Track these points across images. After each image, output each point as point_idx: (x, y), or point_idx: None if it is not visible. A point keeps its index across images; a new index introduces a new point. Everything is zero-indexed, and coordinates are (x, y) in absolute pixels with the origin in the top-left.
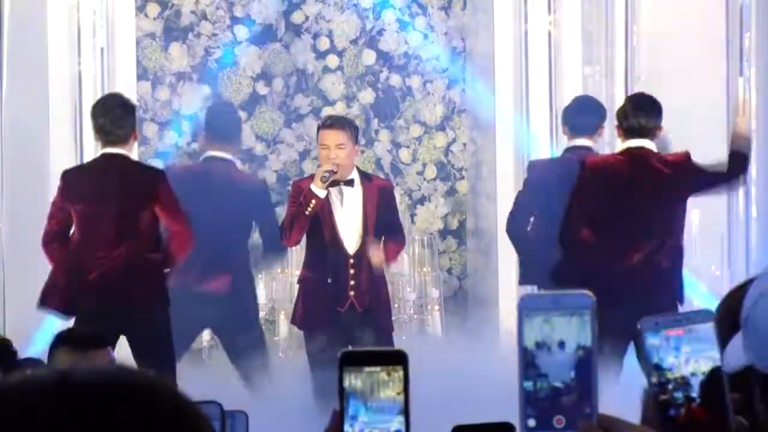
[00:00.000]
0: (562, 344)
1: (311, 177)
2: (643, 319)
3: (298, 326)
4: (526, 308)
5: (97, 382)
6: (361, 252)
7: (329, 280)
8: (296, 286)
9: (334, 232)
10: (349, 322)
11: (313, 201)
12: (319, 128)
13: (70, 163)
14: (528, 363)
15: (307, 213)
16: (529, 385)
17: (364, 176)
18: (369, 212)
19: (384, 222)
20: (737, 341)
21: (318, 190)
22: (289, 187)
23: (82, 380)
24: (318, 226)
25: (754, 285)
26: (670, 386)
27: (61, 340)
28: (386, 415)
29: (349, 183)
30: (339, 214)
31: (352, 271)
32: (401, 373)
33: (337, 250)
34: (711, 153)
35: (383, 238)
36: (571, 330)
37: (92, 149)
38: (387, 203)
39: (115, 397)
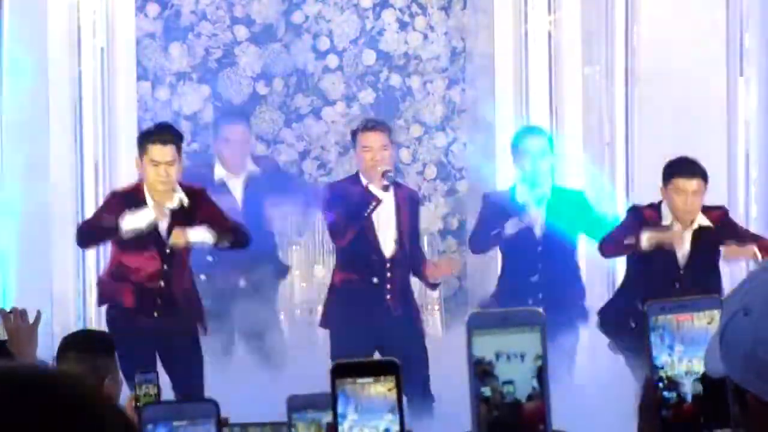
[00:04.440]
0: (522, 355)
1: (348, 179)
2: (649, 303)
3: (328, 327)
4: (475, 325)
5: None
6: (397, 256)
7: (375, 281)
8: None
9: (374, 236)
10: (385, 324)
11: (374, 203)
12: (358, 131)
13: (70, 163)
14: (487, 372)
15: (366, 214)
16: (486, 390)
17: (395, 183)
18: (403, 217)
19: (413, 230)
20: (716, 345)
21: (378, 191)
22: (325, 190)
23: None
24: (360, 229)
25: (735, 293)
26: (661, 385)
27: (68, 344)
28: (376, 414)
29: (386, 188)
30: (376, 218)
31: (389, 275)
32: (394, 382)
33: (376, 253)
34: (711, 153)
35: (414, 264)
36: (526, 342)
37: (92, 149)
38: (415, 211)
39: (14, 390)
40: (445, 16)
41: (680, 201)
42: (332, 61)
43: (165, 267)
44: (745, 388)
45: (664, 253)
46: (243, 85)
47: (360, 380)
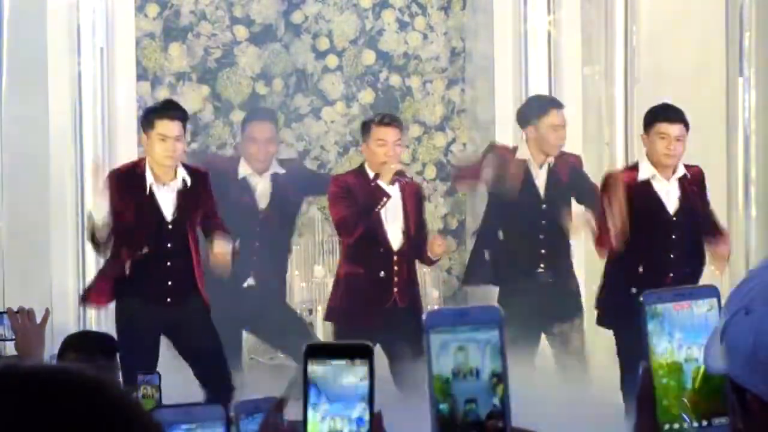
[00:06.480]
0: (477, 372)
1: (352, 172)
2: (646, 292)
3: (335, 321)
4: (432, 323)
5: (43, 376)
6: (404, 249)
7: (382, 274)
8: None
9: (382, 229)
10: (392, 317)
11: (384, 198)
12: (371, 124)
13: (70, 163)
14: (446, 390)
15: (377, 210)
16: (444, 407)
17: (399, 175)
18: (410, 209)
19: (418, 221)
20: (716, 343)
21: (388, 187)
22: (330, 183)
23: (27, 372)
24: (368, 223)
25: (737, 291)
26: (661, 372)
27: (69, 345)
28: (348, 403)
29: (393, 181)
30: (383, 211)
31: (396, 268)
32: (367, 366)
33: (384, 246)
34: (711, 153)
35: (419, 253)
36: (485, 355)
37: (91, 149)
38: (420, 202)
39: (59, 391)
40: (445, 16)
41: (663, 146)
42: (332, 61)
43: (169, 245)
44: (746, 388)
45: (655, 211)
46: (243, 85)
47: (334, 362)
